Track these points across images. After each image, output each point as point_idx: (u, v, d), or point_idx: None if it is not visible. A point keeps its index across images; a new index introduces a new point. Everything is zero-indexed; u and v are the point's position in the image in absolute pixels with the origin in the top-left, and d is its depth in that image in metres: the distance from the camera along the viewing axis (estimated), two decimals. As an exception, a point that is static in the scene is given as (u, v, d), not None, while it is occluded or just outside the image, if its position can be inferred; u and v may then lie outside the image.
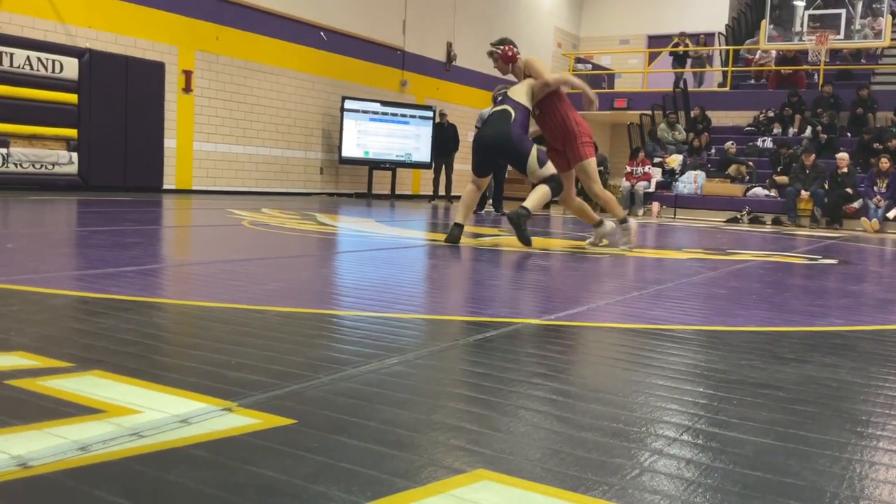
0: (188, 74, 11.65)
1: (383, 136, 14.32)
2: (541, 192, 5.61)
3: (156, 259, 4.20)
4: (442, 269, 4.49)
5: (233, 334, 2.23)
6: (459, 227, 5.70)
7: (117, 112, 10.61)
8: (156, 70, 11.05)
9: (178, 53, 11.51)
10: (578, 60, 19.91)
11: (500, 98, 5.83)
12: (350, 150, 13.96)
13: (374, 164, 14.33)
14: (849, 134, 14.17)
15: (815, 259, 5.93)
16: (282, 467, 1.22)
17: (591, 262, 5.07)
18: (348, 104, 13.80)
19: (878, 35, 13.88)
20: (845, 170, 12.26)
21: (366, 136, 14.10)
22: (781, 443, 1.48)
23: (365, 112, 14.07)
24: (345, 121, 13.77)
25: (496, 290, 3.64)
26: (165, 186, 11.40)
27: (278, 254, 4.74)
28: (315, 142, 13.97)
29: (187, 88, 11.65)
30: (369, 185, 14.31)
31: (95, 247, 4.28)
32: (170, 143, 11.45)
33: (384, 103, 14.43)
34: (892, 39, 14.37)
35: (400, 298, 3.17)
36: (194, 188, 11.91)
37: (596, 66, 20.33)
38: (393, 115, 14.48)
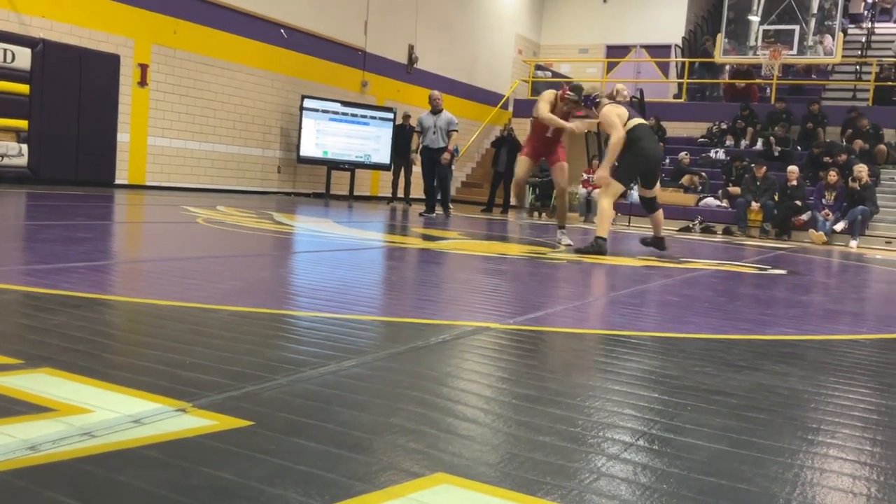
0: (144, 68, 11.43)
1: (343, 137, 14.23)
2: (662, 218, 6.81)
3: (107, 255, 4.11)
4: (400, 272, 4.48)
5: (187, 333, 2.19)
6: (661, 239, 6.60)
7: (70, 104, 10.36)
8: (111, 63, 10.82)
9: (133, 46, 11.29)
10: (538, 68, 20.06)
11: (631, 112, 6.20)
12: (309, 149, 13.85)
13: (333, 165, 14.23)
14: (799, 147, 14.52)
15: (765, 269, 6.06)
16: (238, 469, 1.20)
17: (548, 268, 5.10)
18: (308, 103, 13.69)
19: (829, 52, 14.26)
20: (794, 182, 12.56)
21: (325, 136, 14.01)
22: (735, 449, 1.50)
23: (325, 112, 13.97)
24: (304, 120, 13.66)
25: (455, 294, 3.65)
26: (118, 181, 11.17)
27: (234, 252, 4.67)
28: (273, 140, 13.83)
29: (143, 82, 11.44)
30: (327, 185, 14.21)
31: (45, 241, 4.18)
32: (123, 137, 11.22)
33: (345, 103, 14.35)
34: (843, 56, 14.78)
35: (358, 300, 3.16)
36: (148, 184, 11.69)
37: (555, 74, 20.51)
38: (353, 115, 14.40)
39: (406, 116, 14.59)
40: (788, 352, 2.65)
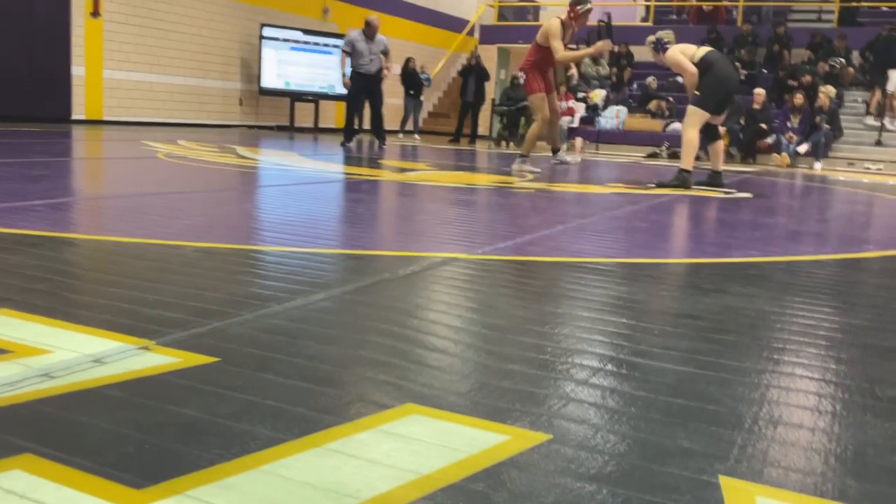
0: (95, -3, 10.98)
1: (305, 67, 13.90)
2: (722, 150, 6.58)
3: (66, 192, 4.00)
4: (367, 204, 4.43)
5: (150, 270, 2.15)
6: (718, 174, 6.26)
7: (19, 38, 9.95)
8: (59, -8, 10.38)
9: (83, -26, 10.82)
10: (504, -8, 19.64)
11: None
12: (270, 80, 13.52)
13: (296, 96, 13.93)
14: (765, 70, 14.49)
15: (731, 193, 6.09)
16: (204, 406, 1.18)
17: (516, 198, 5.08)
18: (267, 32, 13.31)
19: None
20: (759, 106, 12.58)
21: (287, 66, 13.67)
22: (702, 371, 1.52)
23: (286, 41, 13.60)
24: (264, 50, 13.29)
25: (423, 225, 3.62)
26: (74, 117, 10.84)
27: (196, 188, 4.58)
28: (233, 71, 13.47)
29: (95, 12, 11.00)
30: (291, 117, 13.94)
31: (0, 180, 4.05)
32: (78, 70, 10.84)
33: (306, 32, 13.97)
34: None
35: (324, 234, 3.12)
36: (105, 119, 11.37)
37: (521, -1, 20.11)
38: (315, 44, 14.05)
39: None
40: (754, 274, 2.68)
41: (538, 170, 6.80)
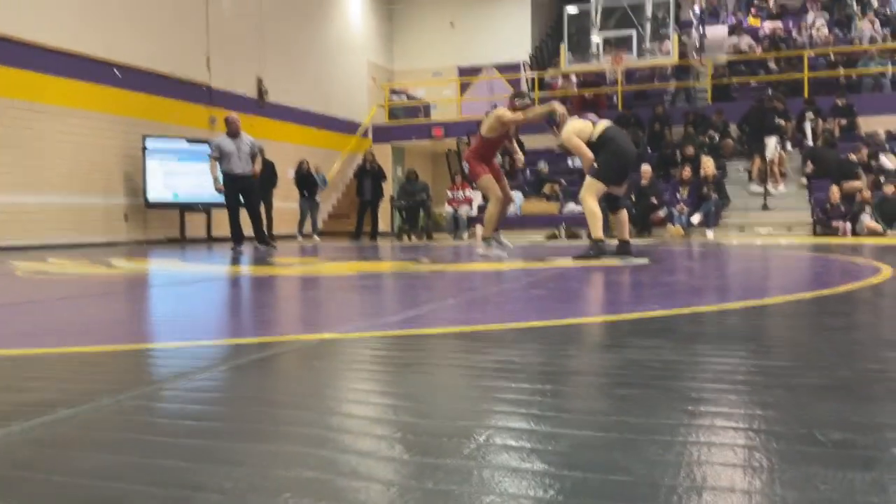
0: (-41, 119, 10.39)
1: (194, 176, 13.44)
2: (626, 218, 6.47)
3: None
4: (230, 296, 4.02)
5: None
6: (626, 243, 6.13)
7: None
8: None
9: (-55, 96, 10.25)
10: (393, 92, 19.95)
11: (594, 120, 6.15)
12: (157, 193, 13.00)
13: (186, 207, 13.43)
14: (649, 149, 14.98)
15: (642, 261, 5.96)
16: None
17: (407, 279, 4.78)
18: (151, 143, 12.88)
19: (666, 54, 14.83)
20: (647, 181, 12.89)
21: (174, 177, 13.20)
22: (603, 433, 1.20)
23: (171, 151, 13.19)
24: (148, 162, 12.82)
25: (289, 311, 3.24)
26: (-63, 244, 10.03)
27: (38, 298, 4.07)
28: (116, 186, 12.90)
29: (-40, 134, 10.38)
30: (181, 228, 13.39)
31: None
32: (-60, 195, 10.11)
33: (192, 141, 13.61)
34: (679, 59, 15.42)
35: (148, 330, 2.71)
36: (-27, 245, 10.57)
37: (410, 97, 20.46)
38: (203, 153, 13.68)
39: (260, 150, 13.94)
40: (658, 327, 2.42)
41: (505, 254, 6.59)
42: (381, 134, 18.99)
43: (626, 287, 3.89)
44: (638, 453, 1.09)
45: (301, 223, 14.87)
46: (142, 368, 1.89)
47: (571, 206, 13.76)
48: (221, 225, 14.94)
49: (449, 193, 14.84)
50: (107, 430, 1.28)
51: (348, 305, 3.34)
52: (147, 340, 2.34)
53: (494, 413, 1.35)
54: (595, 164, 5.89)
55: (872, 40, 15.71)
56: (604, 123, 6.08)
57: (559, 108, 6.28)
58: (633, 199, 12.94)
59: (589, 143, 5.86)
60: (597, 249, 5.86)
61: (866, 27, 16.04)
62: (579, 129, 5.94)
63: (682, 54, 15.92)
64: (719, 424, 1.26)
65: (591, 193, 5.93)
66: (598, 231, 5.93)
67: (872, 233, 11.34)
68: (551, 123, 6.25)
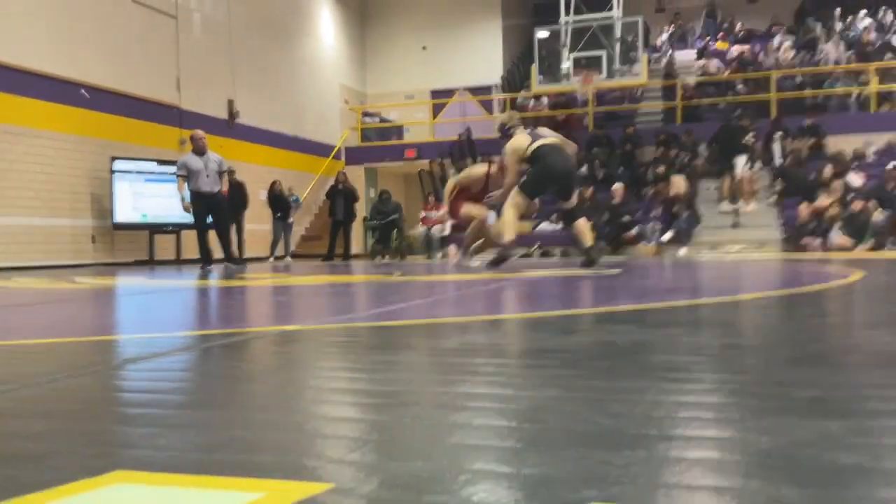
0: (-80, 138, 10.18)
1: (163, 198, 13.27)
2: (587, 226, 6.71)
3: None
4: (182, 301, 3.91)
5: None
6: (591, 248, 6.44)
7: None
8: None
9: None
10: (366, 114, 19.95)
11: (530, 131, 6.50)
12: (126, 214, 12.81)
13: (155, 228, 13.25)
14: (621, 168, 15.07)
15: (601, 271, 5.94)
16: None
17: (372, 286, 4.69)
18: (119, 165, 12.72)
19: (636, 75, 14.97)
20: (619, 200, 12.94)
21: (143, 199, 13.03)
22: (568, 393, 1.13)
23: (140, 173, 13.04)
24: (116, 183, 12.65)
25: (255, 309, 3.15)
26: None
27: None
28: (83, 207, 12.69)
29: (-80, 154, 10.17)
30: (150, 250, 13.19)
31: None
32: None
33: (161, 162, 13.46)
34: (649, 80, 15.59)
35: (96, 326, 2.60)
36: (-64, 267, 10.31)
37: (383, 120, 20.48)
38: (172, 174, 13.53)
39: (231, 172, 13.78)
40: (630, 318, 2.36)
41: (478, 264, 6.77)
42: (354, 155, 18.96)
43: (599, 289, 3.85)
44: (604, 409, 1.03)
45: (274, 245, 14.72)
46: (94, 354, 1.79)
47: (544, 225, 13.78)
48: (191, 246, 14.74)
49: (423, 213, 14.80)
50: (44, 403, 1.19)
51: (318, 306, 3.26)
52: (106, 334, 2.24)
53: (457, 381, 1.28)
54: (525, 177, 6.23)
55: (837, 62, 16.02)
56: (541, 141, 6.29)
57: (508, 119, 6.66)
58: (607, 217, 12.99)
59: (525, 158, 6.19)
60: (500, 255, 6.32)
61: (831, 50, 16.35)
62: (517, 146, 6.22)
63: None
64: (690, 388, 1.20)
65: (511, 205, 6.29)
66: (508, 237, 6.34)
67: (842, 248, 11.46)
68: (504, 134, 6.55)
